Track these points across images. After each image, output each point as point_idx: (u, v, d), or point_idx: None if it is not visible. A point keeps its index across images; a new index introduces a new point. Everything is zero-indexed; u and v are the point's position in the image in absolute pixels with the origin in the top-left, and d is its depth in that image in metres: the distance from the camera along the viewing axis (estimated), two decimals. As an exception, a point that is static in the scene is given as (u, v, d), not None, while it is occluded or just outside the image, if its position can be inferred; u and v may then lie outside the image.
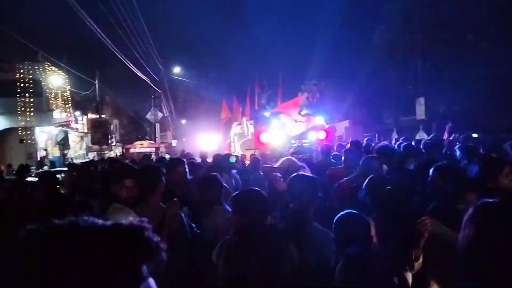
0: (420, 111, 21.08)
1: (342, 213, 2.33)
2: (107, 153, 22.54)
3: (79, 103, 28.26)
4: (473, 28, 19.51)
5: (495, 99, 18.76)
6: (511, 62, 17.91)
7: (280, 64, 28.23)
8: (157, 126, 22.61)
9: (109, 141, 23.06)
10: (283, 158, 4.79)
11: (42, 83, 23.65)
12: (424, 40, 21.73)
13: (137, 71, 20.44)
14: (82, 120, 28.94)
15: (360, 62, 24.24)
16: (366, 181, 3.05)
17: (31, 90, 23.13)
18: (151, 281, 0.72)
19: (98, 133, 21.61)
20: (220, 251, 2.42)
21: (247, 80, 21.31)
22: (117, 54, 16.46)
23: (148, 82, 22.00)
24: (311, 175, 3.30)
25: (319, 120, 17.62)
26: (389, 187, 2.85)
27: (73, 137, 26.29)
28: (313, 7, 28.11)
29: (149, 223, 0.74)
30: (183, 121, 41.10)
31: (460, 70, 20.54)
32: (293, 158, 4.94)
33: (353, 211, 2.34)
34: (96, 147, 21.83)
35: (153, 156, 19.31)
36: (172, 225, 2.76)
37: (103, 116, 23.31)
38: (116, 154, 24.35)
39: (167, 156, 13.89)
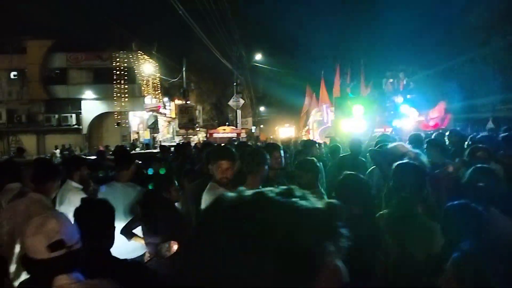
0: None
1: (454, 203, 2.21)
2: (191, 137, 23.74)
3: (167, 90, 30.04)
4: None
5: None
6: None
7: (363, 49, 27.30)
8: (239, 112, 23.24)
9: (194, 126, 24.25)
10: (394, 144, 4.61)
11: (135, 71, 25.56)
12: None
13: (221, 57, 21.08)
14: (169, 105, 30.77)
15: (453, 46, 22.48)
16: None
17: (126, 78, 25.17)
18: None
19: (185, 118, 22.80)
20: None
21: (327, 67, 20.91)
22: (204, 41, 17.10)
23: (231, 68, 22.63)
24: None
25: (406, 108, 16.83)
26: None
27: (161, 122, 28.11)
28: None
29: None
30: (262, 108, 41.69)
31: None
32: (406, 145, 4.78)
33: (466, 201, 2.21)
34: (182, 131, 23.10)
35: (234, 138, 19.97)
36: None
37: (188, 102, 24.54)
38: (199, 138, 25.56)
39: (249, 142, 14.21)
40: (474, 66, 23.30)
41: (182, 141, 21.40)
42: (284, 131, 29.18)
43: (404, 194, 2.57)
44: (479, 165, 2.94)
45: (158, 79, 26.95)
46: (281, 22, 30.23)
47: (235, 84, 23.34)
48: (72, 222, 1.87)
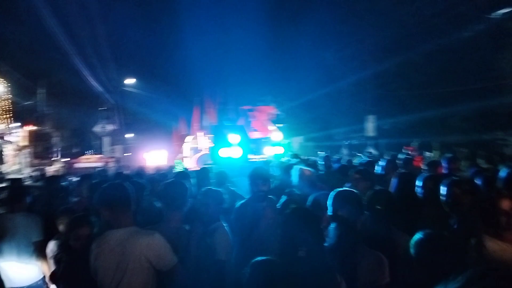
0: (370, 128, 21.98)
1: None
2: (46, 168, 20.92)
3: (19, 113, 26.09)
4: (420, 51, 20.89)
5: (439, 116, 20.17)
6: (454, 83, 19.35)
7: (234, 81, 28.34)
8: (105, 139, 21.42)
9: (51, 155, 21.43)
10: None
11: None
12: (374, 60, 22.88)
13: (91, 78, 19.40)
14: (19, 131, 26.69)
15: (313, 81, 24.95)
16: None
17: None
18: None
19: (39, 146, 19.99)
20: None
21: (201, 94, 21.01)
22: (69, 59, 15.50)
23: (100, 91, 20.94)
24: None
25: (277, 135, 17.85)
26: None
27: (8, 150, 24.12)
28: (265, 26, 28.54)
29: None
30: (130, 135, 39.45)
31: (407, 89, 21.88)
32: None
33: None
34: (36, 161, 20.15)
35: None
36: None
37: (45, 128, 21.64)
38: (58, 169, 22.65)
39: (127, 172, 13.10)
40: (331, 100, 26.22)
41: (36, 172, 18.64)
42: (152, 159, 27.89)
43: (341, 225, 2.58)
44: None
45: (7, 101, 23.22)
46: (154, 48, 29.42)
47: (102, 109, 21.63)
48: None
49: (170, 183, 3.32)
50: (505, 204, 2.48)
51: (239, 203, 3.91)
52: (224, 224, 3.21)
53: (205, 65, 31.56)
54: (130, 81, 28.71)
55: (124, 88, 27.37)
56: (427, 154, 14.03)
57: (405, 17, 21.90)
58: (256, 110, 17.88)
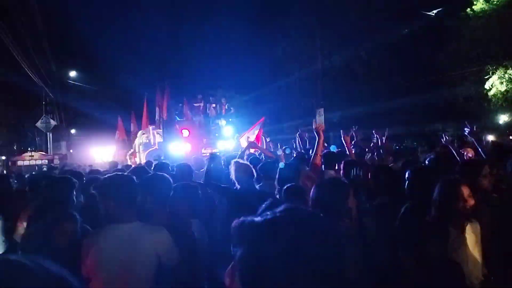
0: (320, 121, 22.51)
1: None
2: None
3: None
4: (366, 47, 21.70)
5: (382, 108, 21.15)
6: (399, 77, 20.32)
7: (185, 75, 27.88)
8: (49, 136, 20.24)
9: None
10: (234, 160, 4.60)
11: None
12: (323, 55, 23.46)
13: (29, 71, 18.14)
14: None
15: (264, 75, 25.17)
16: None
17: None
18: None
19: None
20: None
21: (151, 87, 20.47)
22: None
23: (40, 85, 19.65)
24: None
25: (228, 130, 17.92)
26: None
27: None
28: (217, 19, 28.25)
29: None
30: (73, 131, 37.64)
31: (354, 84, 22.68)
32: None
33: None
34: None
35: (44, 168, 17.24)
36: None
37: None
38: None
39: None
40: (281, 94, 26.59)
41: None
42: (100, 155, 26.95)
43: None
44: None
45: None
46: (99, 38, 28.07)
47: (44, 103, 20.40)
48: None
49: (154, 176, 3.17)
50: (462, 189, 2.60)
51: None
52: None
53: (154, 58, 30.77)
54: (72, 74, 27.31)
55: (67, 81, 25.99)
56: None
57: (351, 13, 22.64)
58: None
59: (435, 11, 19.35)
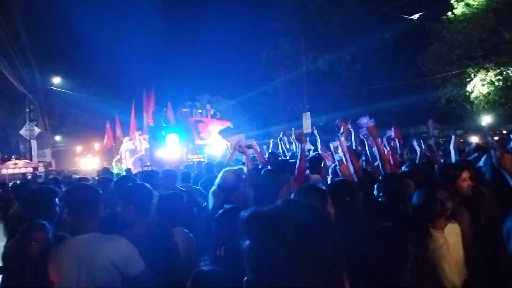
0: (307, 125, 22.68)
1: None
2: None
3: None
4: (349, 50, 21.95)
5: (367, 111, 21.36)
6: (383, 80, 20.58)
7: (170, 79, 27.76)
8: (33, 143, 19.91)
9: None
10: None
11: None
12: (308, 59, 23.64)
13: (12, 78, 17.86)
14: None
15: (250, 79, 25.25)
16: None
17: None
18: None
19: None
20: None
21: (138, 93, 20.33)
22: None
23: (23, 92, 19.36)
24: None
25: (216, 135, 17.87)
26: None
27: None
28: (203, 24, 28.29)
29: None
30: (58, 137, 37.12)
31: (338, 88, 22.91)
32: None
33: None
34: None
35: (29, 176, 16.96)
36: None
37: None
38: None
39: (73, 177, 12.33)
40: (267, 98, 26.69)
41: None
42: (86, 162, 26.73)
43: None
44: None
45: None
46: (84, 43, 27.75)
47: (28, 110, 20.08)
48: None
49: (135, 186, 3.14)
50: (439, 193, 2.69)
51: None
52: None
53: (140, 63, 30.60)
54: (56, 80, 26.95)
55: (51, 88, 25.62)
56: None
57: (335, 16, 22.90)
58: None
59: (417, 15, 19.69)
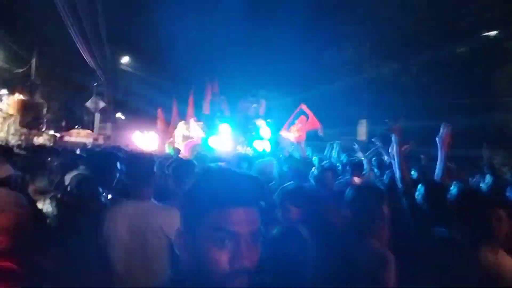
0: (361, 132, 22.20)
1: None
2: (34, 138, 20.59)
3: (7, 81, 25.52)
4: (416, 61, 21.09)
5: (427, 126, 20.43)
6: (449, 94, 19.62)
7: (231, 71, 28.14)
8: (97, 115, 21.13)
9: (40, 126, 21.05)
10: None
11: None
12: (370, 66, 23.04)
13: (85, 53, 19.04)
14: (6, 99, 26.08)
15: (309, 78, 25.00)
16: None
17: None
18: None
19: (29, 116, 19.61)
20: None
21: (197, 81, 20.83)
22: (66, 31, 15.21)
23: (93, 67, 20.59)
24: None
25: (266, 131, 17.93)
26: None
27: (-6, 117, 23.59)
28: (266, 23, 28.39)
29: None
30: (119, 114, 38.93)
31: (401, 98, 22.08)
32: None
33: None
34: (24, 130, 19.77)
35: (89, 146, 17.95)
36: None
37: (36, 97, 21.16)
38: (46, 141, 22.28)
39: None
40: (323, 99, 26.29)
41: (21, 143, 18.31)
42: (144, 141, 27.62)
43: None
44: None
45: (-4, 66, 22.53)
46: (154, 28, 28.90)
47: (95, 84, 21.31)
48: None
49: (182, 162, 3.30)
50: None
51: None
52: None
53: (203, 54, 31.32)
54: (124, 59, 28.28)
55: (119, 67, 26.99)
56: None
57: (404, 25, 22.07)
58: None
59: (494, 32, 18.52)
